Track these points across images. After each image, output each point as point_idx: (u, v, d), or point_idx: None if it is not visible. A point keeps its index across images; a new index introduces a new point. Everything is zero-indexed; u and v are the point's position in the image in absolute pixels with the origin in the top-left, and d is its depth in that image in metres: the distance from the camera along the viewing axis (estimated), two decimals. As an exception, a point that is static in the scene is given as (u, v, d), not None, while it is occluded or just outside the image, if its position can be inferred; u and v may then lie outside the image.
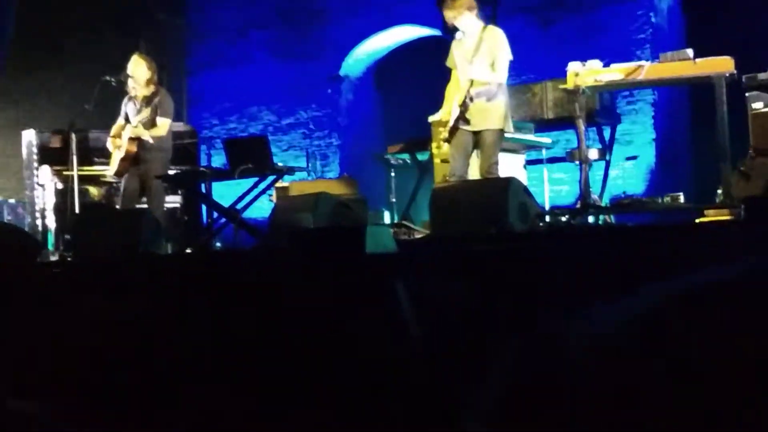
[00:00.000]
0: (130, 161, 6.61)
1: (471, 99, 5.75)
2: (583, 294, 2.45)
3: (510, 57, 5.80)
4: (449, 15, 5.84)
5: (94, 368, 2.96)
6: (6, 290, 3.65)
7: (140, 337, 3.00)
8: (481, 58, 5.77)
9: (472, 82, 5.76)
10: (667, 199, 6.42)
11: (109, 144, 6.77)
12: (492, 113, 5.77)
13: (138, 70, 6.71)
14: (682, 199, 6.38)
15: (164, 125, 6.65)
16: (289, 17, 11.63)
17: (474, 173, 6.01)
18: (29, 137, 8.46)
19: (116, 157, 6.66)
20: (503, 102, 5.82)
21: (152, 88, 6.74)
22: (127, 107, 6.79)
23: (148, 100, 6.68)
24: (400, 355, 2.37)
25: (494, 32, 5.85)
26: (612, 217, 6.66)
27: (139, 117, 6.61)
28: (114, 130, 6.77)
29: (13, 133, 9.10)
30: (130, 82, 6.74)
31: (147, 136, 6.55)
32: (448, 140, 5.89)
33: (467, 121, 5.79)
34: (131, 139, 6.56)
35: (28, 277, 3.99)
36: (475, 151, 5.95)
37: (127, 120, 6.75)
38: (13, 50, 9.46)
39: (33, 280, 3.92)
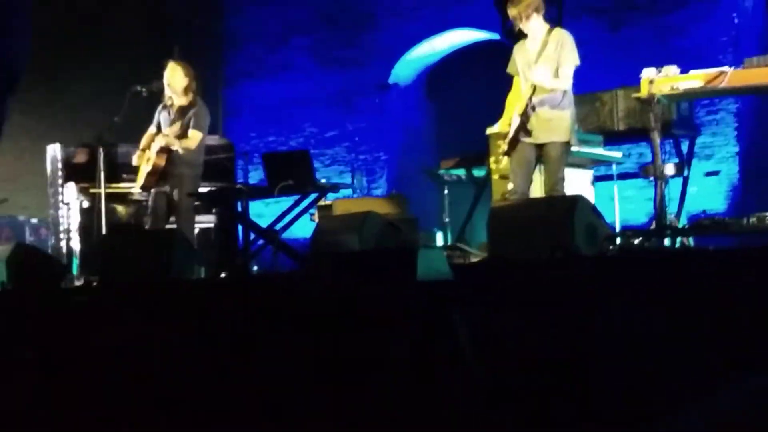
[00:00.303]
0: (158, 175, 6.70)
1: (533, 108, 5.72)
2: (658, 325, 2.42)
3: (577, 62, 5.76)
4: (514, 14, 5.81)
5: (123, 404, 2.99)
6: (29, 317, 3.71)
7: (171, 368, 3.02)
8: (544, 63, 5.74)
9: (534, 90, 5.73)
10: (753, 219, 6.30)
11: (135, 159, 6.89)
12: (557, 124, 5.74)
13: (174, 78, 6.81)
14: (770, 219, 6.27)
15: (195, 137, 6.72)
16: (333, 21, 11.71)
17: (537, 191, 5.98)
18: (53, 152, 8.58)
19: (143, 170, 6.77)
20: (569, 112, 5.78)
21: (190, 97, 6.83)
22: (161, 116, 6.91)
23: (183, 111, 6.78)
24: (459, 401, 2.36)
25: (561, 34, 5.82)
26: (691, 239, 6.56)
27: (171, 129, 6.71)
28: (144, 140, 6.88)
29: (36, 147, 9.18)
30: (166, 90, 6.84)
31: (177, 145, 6.64)
32: (508, 154, 5.86)
33: (529, 133, 5.75)
34: (160, 152, 6.66)
35: (51, 304, 4.06)
36: (538, 167, 5.92)
37: (159, 129, 6.85)
38: (34, 57, 9.59)
39: (57, 306, 3.98)
